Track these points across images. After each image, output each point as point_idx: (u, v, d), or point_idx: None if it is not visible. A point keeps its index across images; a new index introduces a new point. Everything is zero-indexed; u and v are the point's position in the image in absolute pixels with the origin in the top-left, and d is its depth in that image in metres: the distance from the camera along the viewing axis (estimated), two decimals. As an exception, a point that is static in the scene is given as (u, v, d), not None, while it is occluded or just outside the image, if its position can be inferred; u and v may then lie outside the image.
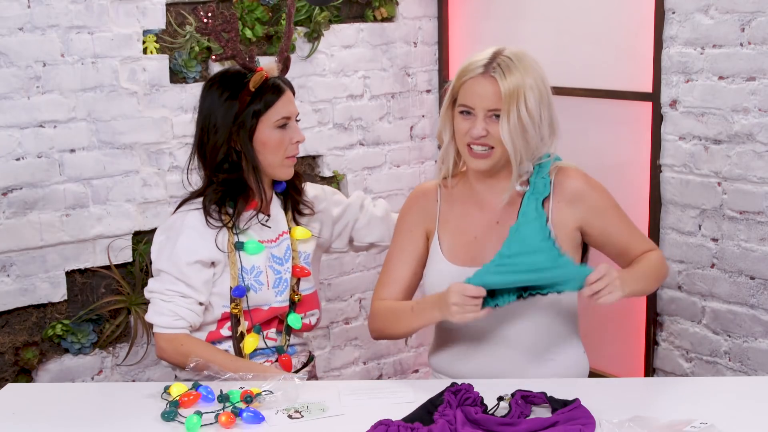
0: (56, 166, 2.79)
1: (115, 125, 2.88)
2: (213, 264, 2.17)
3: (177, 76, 2.98)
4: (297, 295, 2.27)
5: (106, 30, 2.83)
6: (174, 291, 2.14)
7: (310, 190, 2.40)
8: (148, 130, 2.93)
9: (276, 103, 2.18)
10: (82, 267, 2.88)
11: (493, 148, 2.07)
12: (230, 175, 2.18)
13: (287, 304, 2.25)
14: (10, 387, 2.12)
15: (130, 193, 2.93)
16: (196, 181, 2.28)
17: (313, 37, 3.30)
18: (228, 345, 2.20)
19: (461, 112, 2.09)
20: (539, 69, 2.11)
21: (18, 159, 2.72)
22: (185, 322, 2.15)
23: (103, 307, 2.92)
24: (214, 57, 2.26)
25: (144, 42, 2.91)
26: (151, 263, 2.30)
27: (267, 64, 2.24)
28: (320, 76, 3.36)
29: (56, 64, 2.75)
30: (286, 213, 2.29)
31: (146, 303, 2.33)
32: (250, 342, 2.18)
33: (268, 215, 2.26)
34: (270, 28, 3.18)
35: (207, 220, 2.16)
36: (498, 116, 2.05)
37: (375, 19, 3.47)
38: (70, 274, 2.86)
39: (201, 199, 2.20)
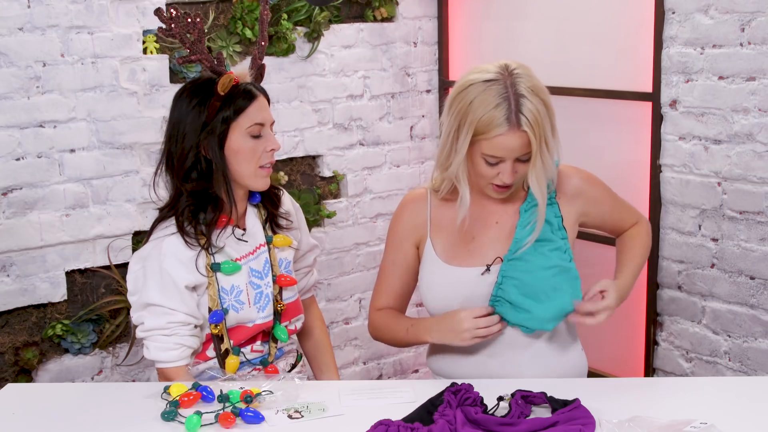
0: (56, 166, 2.79)
1: (115, 125, 2.88)
2: (195, 288, 2.10)
3: (177, 76, 2.98)
4: (280, 304, 2.20)
5: (106, 30, 2.83)
6: (175, 322, 2.05)
7: (287, 202, 2.32)
8: (148, 130, 2.93)
9: (247, 109, 2.08)
10: (82, 267, 2.88)
11: (513, 184, 2.08)
12: (198, 184, 2.09)
13: (271, 318, 2.18)
14: (10, 387, 2.11)
15: (130, 193, 2.93)
16: (163, 197, 2.18)
17: (313, 37, 3.30)
18: (213, 363, 2.14)
19: (486, 162, 2.03)
20: (543, 86, 2.05)
21: (18, 159, 2.72)
22: (190, 350, 2.08)
23: (103, 307, 2.92)
24: (179, 60, 2.17)
25: (144, 42, 2.91)
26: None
27: (239, 69, 2.14)
28: (320, 76, 3.36)
29: (56, 64, 2.75)
30: (263, 224, 2.21)
31: None
32: (232, 363, 2.11)
33: (244, 229, 2.18)
34: (270, 28, 3.18)
35: (185, 241, 2.07)
36: (522, 160, 2.03)
37: (375, 19, 3.48)
38: (70, 274, 2.86)
39: (174, 221, 2.10)
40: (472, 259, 2.12)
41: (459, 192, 2.10)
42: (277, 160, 3.24)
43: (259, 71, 2.17)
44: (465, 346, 2.09)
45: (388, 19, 3.52)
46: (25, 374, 2.82)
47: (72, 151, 2.82)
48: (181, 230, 2.08)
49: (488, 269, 2.09)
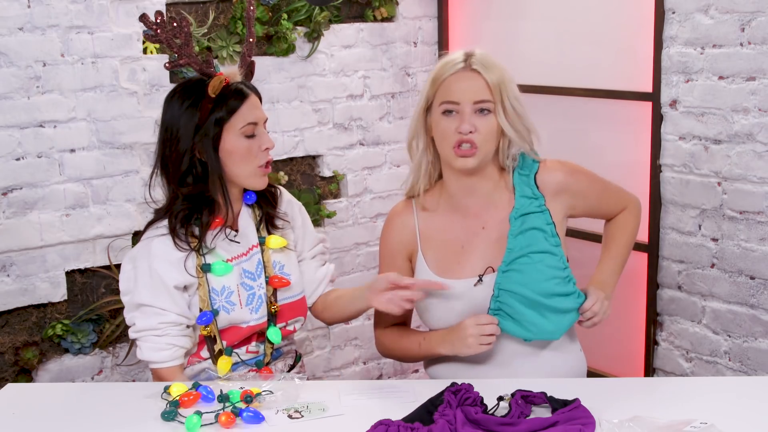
0: (56, 166, 2.79)
1: (115, 125, 2.88)
2: (185, 288, 2.09)
3: (177, 76, 2.98)
4: (274, 306, 2.18)
5: (106, 30, 2.83)
6: (166, 323, 2.05)
7: (286, 201, 2.30)
8: (148, 130, 2.93)
9: (240, 109, 2.06)
10: (82, 267, 2.88)
11: (477, 147, 2.04)
12: (195, 188, 2.08)
13: (265, 319, 2.16)
14: (10, 387, 2.12)
15: (130, 193, 2.93)
16: (159, 199, 2.17)
17: (313, 37, 3.30)
18: (207, 364, 2.14)
19: (444, 112, 2.06)
20: (507, 68, 2.12)
21: (18, 159, 2.72)
22: (182, 350, 2.08)
23: (103, 307, 2.92)
24: (167, 65, 2.16)
25: (144, 42, 2.91)
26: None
27: (228, 69, 2.12)
28: (320, 76, 3.36)
29: (56, 64, 2.75)
30: (257, 225, 2.19)
31: None
32: (224, 364, 2.10)
33: (236, 230, 2.17)
34: (270, 28, 3.18)
35: (175, 243, 2.06)
36: (482, 111, 2.04)
37: (375, 19, 3.48)
38: (70, 274, 2.86)
39: (166, 222, 2.09)
40: (464, 271, 2.11)
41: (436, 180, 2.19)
42: (277, 160, 3.25)
43: (249, 68, 2.16)
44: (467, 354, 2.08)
45: (388, 19, 3.52)
46: (25, 374, 2.82)
47: (72, 151, 2.82)
48: (173, 233, 2.07)
49: (480, 280, 2.08)
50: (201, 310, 2.09)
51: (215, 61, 2.14)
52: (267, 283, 2.17)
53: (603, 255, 2.27)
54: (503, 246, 2.08)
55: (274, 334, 2.17)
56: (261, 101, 2.16)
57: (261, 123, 2.12)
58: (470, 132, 2.02)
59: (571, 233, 2.73)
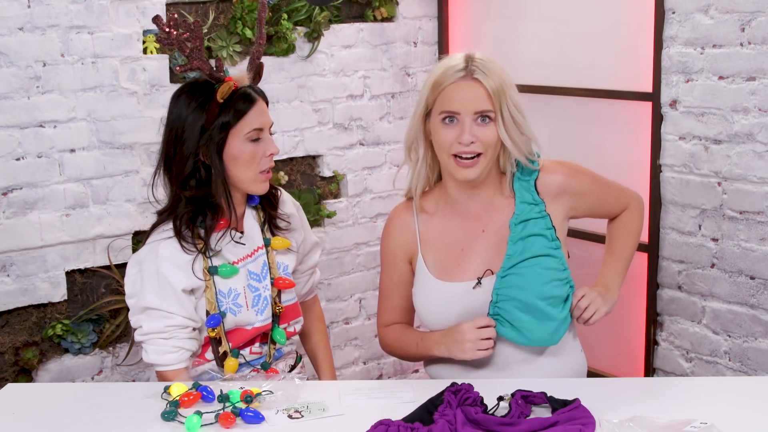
0: (56, 166, 2.79)
1: (115, 125, 2.88)
2: (192, 291, 2.08)
3: (177, 76, 2.98)
4: (278, 306, 2.18)
5: (106, 30, 2.83)
6: (173, 326, 2.04)
7: (288, 202, 2.30)
8: (148, 130, 2.93)
9: (247, 114, 2.05)
10: (82, 267, 2.88)
11: (480, 155, 2.02)
12: (198, 192, 2.07)
13: (270, 321, 2.16)
14: (10, 387, 2.11)
15: (130, 193, 2.93)
16: (161, 198, 2.16)
17: (313, 37, 3.30)
18: (210, 365, 2.14)
19: (444, 120, 2.04)
20: (508, 72, 2.09)
21: (18, 159, 2.72)
22: (188, 353, 2.08)
23: (103, 307, 2.92)
24: (178, 68, 2.13)
25: (144, 42, 2.91)
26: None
27: (237, 73, 2.10)
28: (320, 76, 3.36)
29: (56, 64, 2.75)
30: (261, 226, 2.19)
31: None
32: (231, 365, 2.10)
33: (242, 232, 2.16)
34: (270, 28, 3.18)
35: (182, 246, 2.06)
36: (483, 118, 2.02)
37: (375, 19, 3.48)
38: (70, 274, 2.86)
39: (171, 224, 2.08)
40: (463, 273, 2.10)
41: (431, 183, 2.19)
42: (277, 160, 3.24)
43: (257, 71, 2.15)
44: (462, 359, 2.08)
45: (388, 19, 3.52)
46: (25, 374, 2.82)
47: (72, 151, 2.82)
48: (179, 235, 2.07)
49: (479, 282, 2.08)
50: (208, 312, 2.09)
51: (225, 66, 2.12)
52: (272, 284, 2.17)
53: (606, 256, 2.26)
54: (503, 249, 2.07)
55: (279, 335, 2.18)
56: (268, 105, 2.14)
57: (266, 128, 2.11)
58: (471, 143, 2.01)
59: (573, 233, 2.73)
